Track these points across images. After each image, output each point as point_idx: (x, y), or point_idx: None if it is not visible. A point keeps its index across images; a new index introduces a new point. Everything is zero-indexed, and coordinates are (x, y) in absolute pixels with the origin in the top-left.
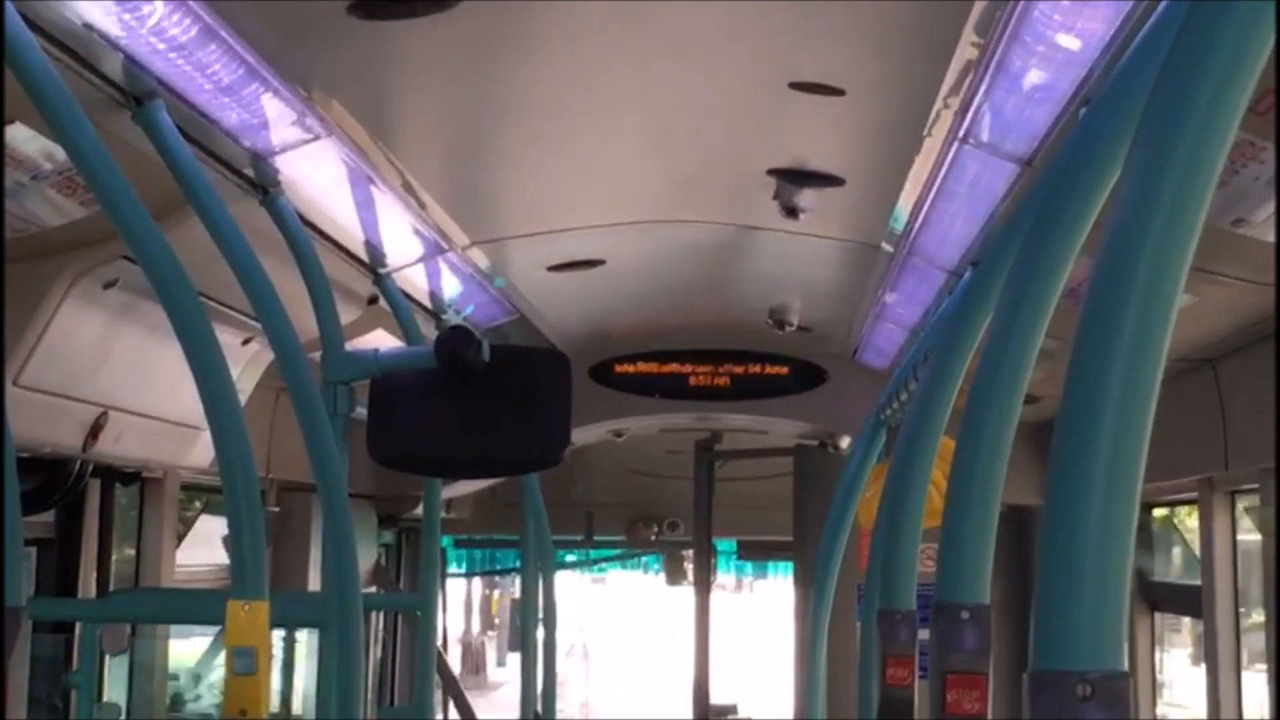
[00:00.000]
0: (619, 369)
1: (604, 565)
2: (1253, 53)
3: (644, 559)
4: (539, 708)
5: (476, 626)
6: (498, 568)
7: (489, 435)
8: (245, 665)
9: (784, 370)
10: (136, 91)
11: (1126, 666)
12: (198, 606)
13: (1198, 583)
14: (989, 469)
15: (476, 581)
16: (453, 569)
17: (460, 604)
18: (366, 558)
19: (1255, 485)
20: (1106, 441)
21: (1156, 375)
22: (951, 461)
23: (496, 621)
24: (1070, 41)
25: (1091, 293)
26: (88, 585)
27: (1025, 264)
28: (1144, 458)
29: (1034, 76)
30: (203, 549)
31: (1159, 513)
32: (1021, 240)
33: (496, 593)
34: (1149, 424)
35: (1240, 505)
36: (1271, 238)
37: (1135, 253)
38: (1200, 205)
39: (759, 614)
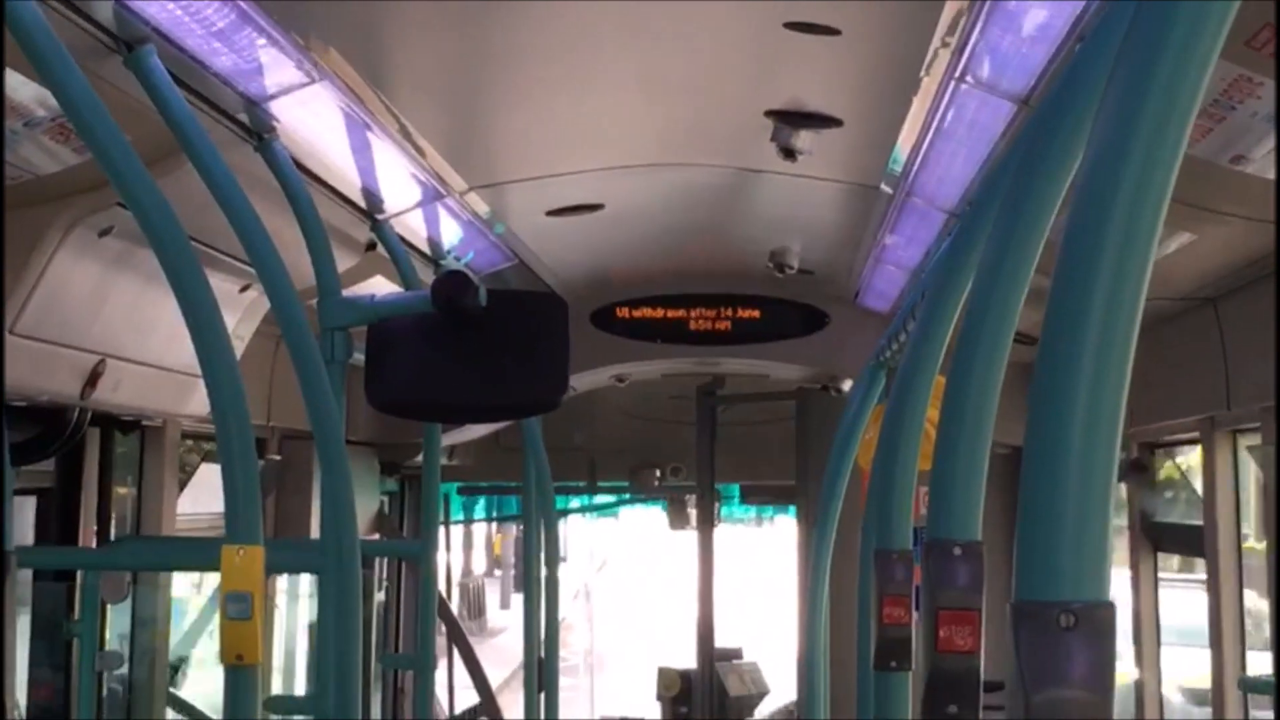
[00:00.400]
0: (620, 314)
1: (608, 509)
2: None
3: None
4: (541, 652)
5: (480, 567)
6: (500, 515)
7: (487, 380)
8: (241, 610)
9: (785, 314)
10: (128, 37)
11: (1110, 596)
12: (196, 553)
13: (1199, 523)
14: (979, 407)
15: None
16: (458, 517)
17: (460, 544)
18: (369, 505)
19: (1257, 424)
20: (1087, 373)
21: (1137, 309)
22: (941, 400)
23: (500, 562)
24: None
25: (1069, 229)
26: (88, 534)
27: (1013, 203)
28: (1125, 389)
29: (1031, 14)
30: (205, 497)
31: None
32: (1010, 179)
33: (498, 534)
34: (1129, 356)
35: (1243, 444)
36: (1271, 174)
37: (1112, 187)
38: (1179, 138)
39: (779, 548)
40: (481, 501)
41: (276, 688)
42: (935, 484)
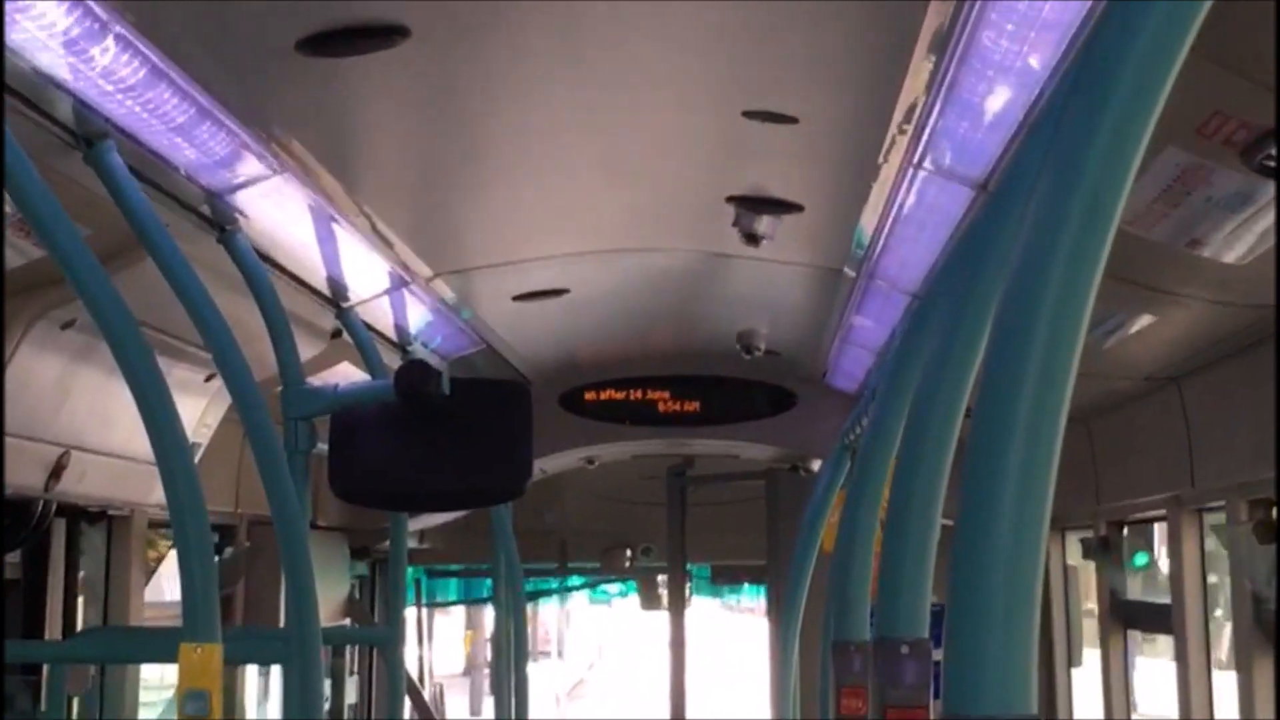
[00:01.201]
0: (589, 396)
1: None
2: (1161, 66)
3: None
4: None
5: (444, 666)
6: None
7: (451, 468)
8: (198, 709)
9: (754, 394)
10: (87, 133)
11: (1036, 710)
12: (159, 646)
13: (1168, 601)
14: (926, 497)
15: (448, 616)
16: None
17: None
18: (339, 590)
19: (1221, 503)
20: (1014, 474)
21: (1064, 403)
22: (890, 493)
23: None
24: (1021, 63)
25: (1000, 313)
26: (54, 625)
27: (964, 287)
28: (1051, 490)
29: (987, 101)
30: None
31: None
32: (963, 264)
33: (468, 630)
34: (1055, 456)
35: (1208, 523)
36: (1228, 257)
37: (1044, 272)
38: (1108, 223)
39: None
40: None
41: None
42: (884, 579)
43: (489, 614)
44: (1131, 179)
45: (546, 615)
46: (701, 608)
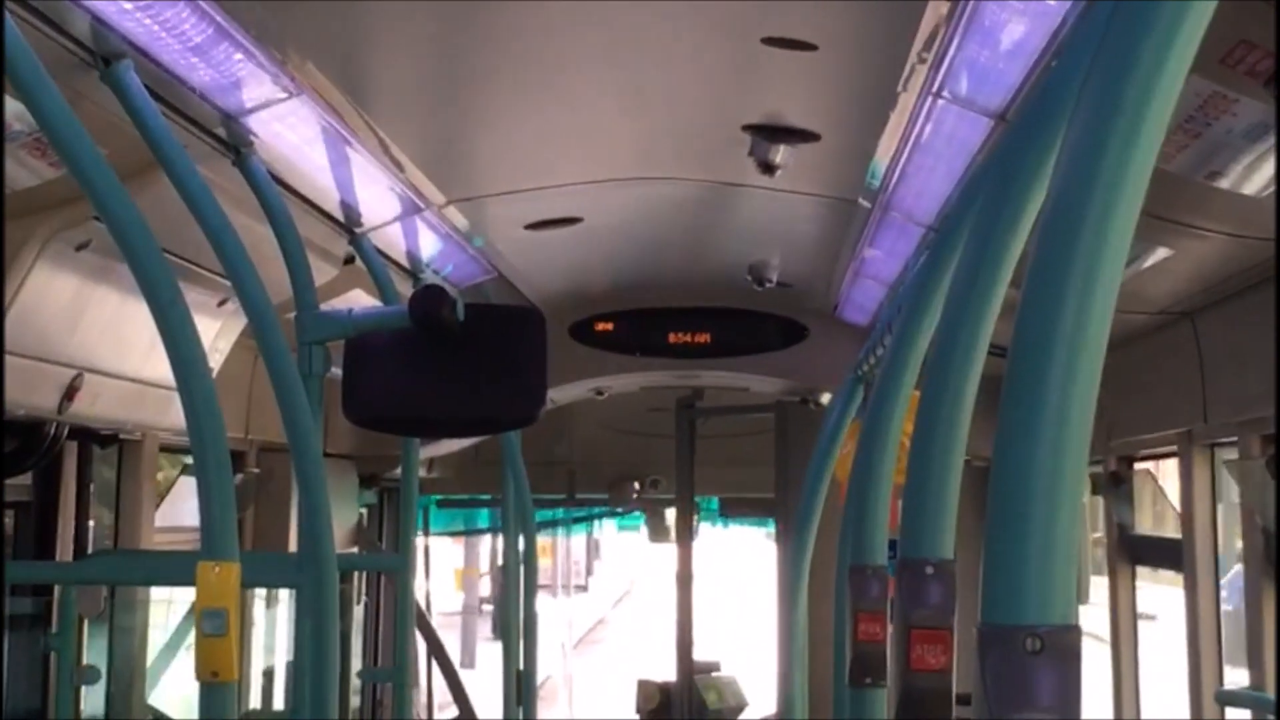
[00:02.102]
0: (599, 327)
1: (588, 523)
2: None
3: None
4: (520, 665)
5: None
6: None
7: (464, 394)
8: (216, 626)
9: (765, 327)
10: (104, 52)
11: (1077, 619)
12: (173, 568)
13: (1178, 536)
14: (951, 423)
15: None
16: (439, 527)
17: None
18: (348, 518)
19: (1234, 438)
20: (1054, 393)
21: (1106, 323)
22: (914, 415)
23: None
24: None
25: (1040, 243)
26: (66, 548)
27: (987, 218)
28: (1092, 409)
29: (1007, 29)
30: (183, 510)
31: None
32: (985, 194)
33: (465, 566)
34: (1098, 373)
35: (1219, 458)
36: (1247, 190)
37: (1083, 201)
38: (1149, 152)
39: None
40: (460, 515)
41: (255, 703)
42: (907, 502)
43: (485, 548)
44: (1172, 106)
45: (576, 546)
46: (742, 536)
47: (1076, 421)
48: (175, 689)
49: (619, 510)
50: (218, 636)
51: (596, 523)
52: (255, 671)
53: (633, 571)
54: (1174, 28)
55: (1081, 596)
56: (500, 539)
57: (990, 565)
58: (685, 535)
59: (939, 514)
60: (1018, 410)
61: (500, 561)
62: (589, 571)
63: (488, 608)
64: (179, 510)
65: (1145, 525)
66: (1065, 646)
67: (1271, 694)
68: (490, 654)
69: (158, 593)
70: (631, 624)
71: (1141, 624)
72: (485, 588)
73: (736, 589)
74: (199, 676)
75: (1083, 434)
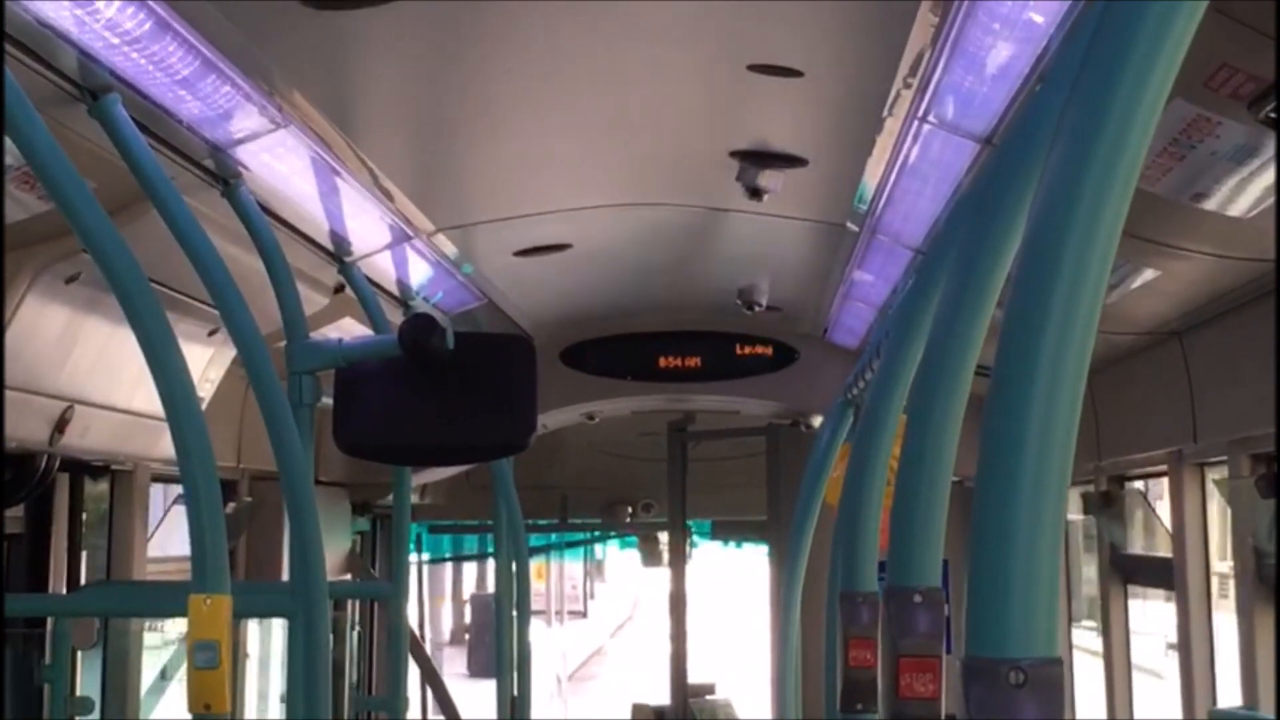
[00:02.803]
0: (589, 352)
1: (586, 546)
2: (1179, 23)
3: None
4: (515, 691)
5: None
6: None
7: (455, 422)
8: (208, 659)
9: (755, 350)
10: (92, 86)
11: (1059, 653)
12: (165, 600)
13: (1169, 555)
14: (938, 448)
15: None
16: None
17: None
18: (341, 545)
19: (1224, 457)
20: (1037, 420)
21: (1086, 352)
22: (902, 439)
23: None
24: (1027, 17)
25: (1021, 265)
26: (59, 579)
27: (973, 240)
28: (1074, 438)
29: (992, 54)
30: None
31: None
32: (969, 218)
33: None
34: (1079, 404)
35: (1210, 478)
36: (1232, 211)
37: (1064, 222)
38: (1130, 174)
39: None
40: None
41: None
42: (895, 529)
43: (469, 577)
44: (1153, 130)
45: (573, 569)
46: (744, 557)
47: (1059, 449)
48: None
49: (613, 533)
50: (210, 669)
51: (598, 545)
52: (250, 700)
53: (636, 593)
54: (1154, 52)
55: (1074, 615)
56: (477, 565)
57: (974, 598)
58: (678, 558)
59: (927, 541)
60: (1000, 443)
61: (475, 589)
62: (589, 595)
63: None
64: (175, 538)
65: (1138, 545)
66: (1048, 680)
67: (1264, 713)
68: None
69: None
70: (633, 653)
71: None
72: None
73: (737, 610)
74: (191, 709)
75: (1065, 462)
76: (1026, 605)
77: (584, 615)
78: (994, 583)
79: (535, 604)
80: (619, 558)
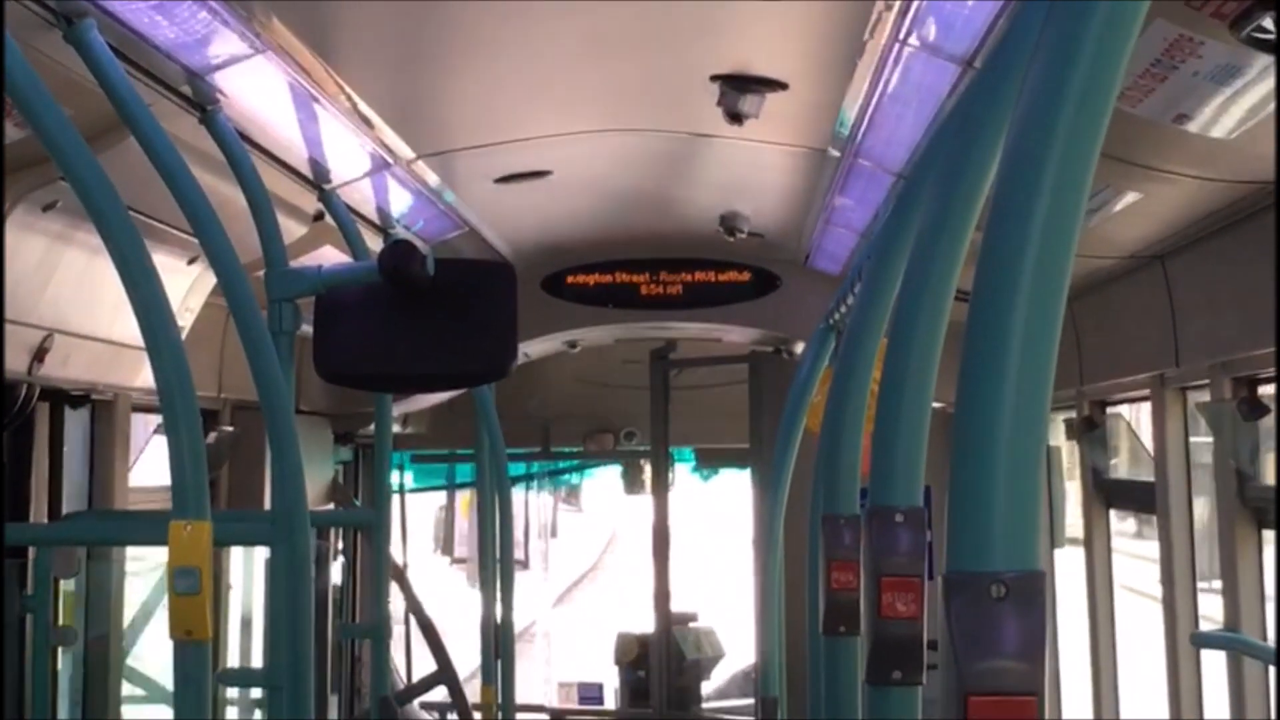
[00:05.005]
0: (571, 280)
1: (564, 477)
2: None
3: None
4: (498, 618)
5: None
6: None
7: (435, 349)
8: (189, 585)
9: (737, 277)
10: (67, 11)
11: (1040, 566)
12: (147, 528)
13: (1151, 479)
14: (919, 371)
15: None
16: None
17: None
18: (323, 475)
19: (1206, 381)
20: (1017, 338)
21: (1066, 272)
22: (882, 363)
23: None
24: None
25: (999, 187)
26: (40, 509)
27: (952, 164)
28: (1054, 354)
29: None
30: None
31: None
32: (950, 140)
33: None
34: (1059, 322)
35: (1192, 401)
36: (1215, 133)
37: (1041, 147)
38: (1108, 93)
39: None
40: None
41: (234, 661)
42: (876, 450)
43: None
44: (1129, 50)
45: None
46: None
47: (1039, 366)
48: (155, 648)
49: (595, 461)
50: (191, 595)
51: (571, 476)
52: (233, 629)
53: (612, 527)
54: None
55: (1057, 540)
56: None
57: (955, 513)
58: (661, 487)
59: (908, 462)
60: (980, 357)
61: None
62: (549, 531)
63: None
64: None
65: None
66: (1030, 592)
67: (1246, 634)
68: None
69: (136, 550)
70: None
71: None
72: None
73: (716, 555)
74: (173, 635)
75: (1045, 379)
76: (1008, 518)
77: (524, 565)
78: (975, 495)
79: (460, 550)
80: (597, 485)
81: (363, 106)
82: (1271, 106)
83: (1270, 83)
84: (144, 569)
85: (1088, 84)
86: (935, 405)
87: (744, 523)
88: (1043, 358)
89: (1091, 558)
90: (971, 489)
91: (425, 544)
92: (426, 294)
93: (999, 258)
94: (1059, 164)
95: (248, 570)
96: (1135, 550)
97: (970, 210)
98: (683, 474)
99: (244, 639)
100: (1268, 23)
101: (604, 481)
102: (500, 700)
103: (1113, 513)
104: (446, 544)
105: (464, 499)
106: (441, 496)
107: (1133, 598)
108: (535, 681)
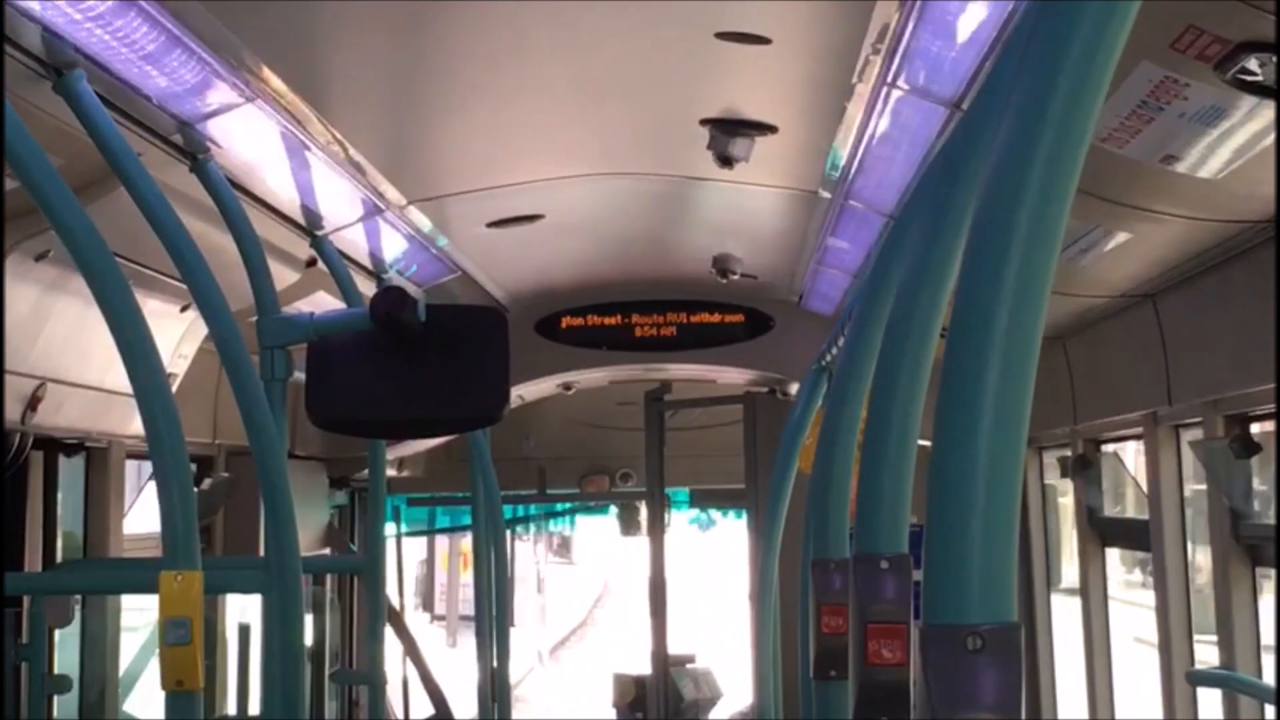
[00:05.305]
0: (565, 322)
1: (559, 519)
2: None
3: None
4: (495, 662)
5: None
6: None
7: (427, 395)
8: (179, 636)
9: (730, 318)
10: (57, 62)
11: (1016, 618)
12: (140, 577)
13: (1146, 517)
14: (904, 414)
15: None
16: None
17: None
18: (318, 520)
19: (1198, 419)
20: (991, 388)
21: (1040, 317)
22: (867, 411)
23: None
24: None
25: (974, 229)
26: (34, 558)
27: (938, 206)
28: (1029, 403)
29: (960, 19)
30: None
31: None
32: (935, 182)
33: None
34: (1033, 370)
35: (1184, 439)
36: (1203, 173)
37: (1015, 189)
38: (1082, 133)
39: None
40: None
41: (231, 708)
42: (862, 496)
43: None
44: (1104, 93)
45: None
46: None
47: (1014, 416)
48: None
49: (591, 504)
50: (182, 645)
51: (561, 525)
52: (231, 675)
53: (605, 578)
54: (1106, 12)
55: (1053, 579)
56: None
57: (931, 565)
58: (657, 528)
59: (893, 508)
60: (954, 404)
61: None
62: (539, 582)
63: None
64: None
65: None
66: (1006, 644)
67: (1241, 673)
68: None
69: (131, 599)
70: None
71: None
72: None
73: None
74: (164, 686)
75: (1020, 429)
76: (984, 570)
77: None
78: (950, 549)
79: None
80: (590, 531)
81: (354, 153)
82: (1262, 145)
83: (1258, 123)
84: (140, 621)
85: (1061, 127)
86: (923, 444)
87: (741, 567)
88: (1017, 411)
89: (1087, 594)
90: (947, 542)
91: (406, 599)
92: (419, 339)
93: (972, 302)
94: (1033, 206)
95: (245, 613)
96: (1144, 600)
97: (954, 253)
98: (680, 523)
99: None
100: (1253, 64)
101: (596, 530)
102: None
103: (1122, 567)
104: (427, 600)
105: (443, 553)
106: (423, 549)
107: (1144, 649)
108: None
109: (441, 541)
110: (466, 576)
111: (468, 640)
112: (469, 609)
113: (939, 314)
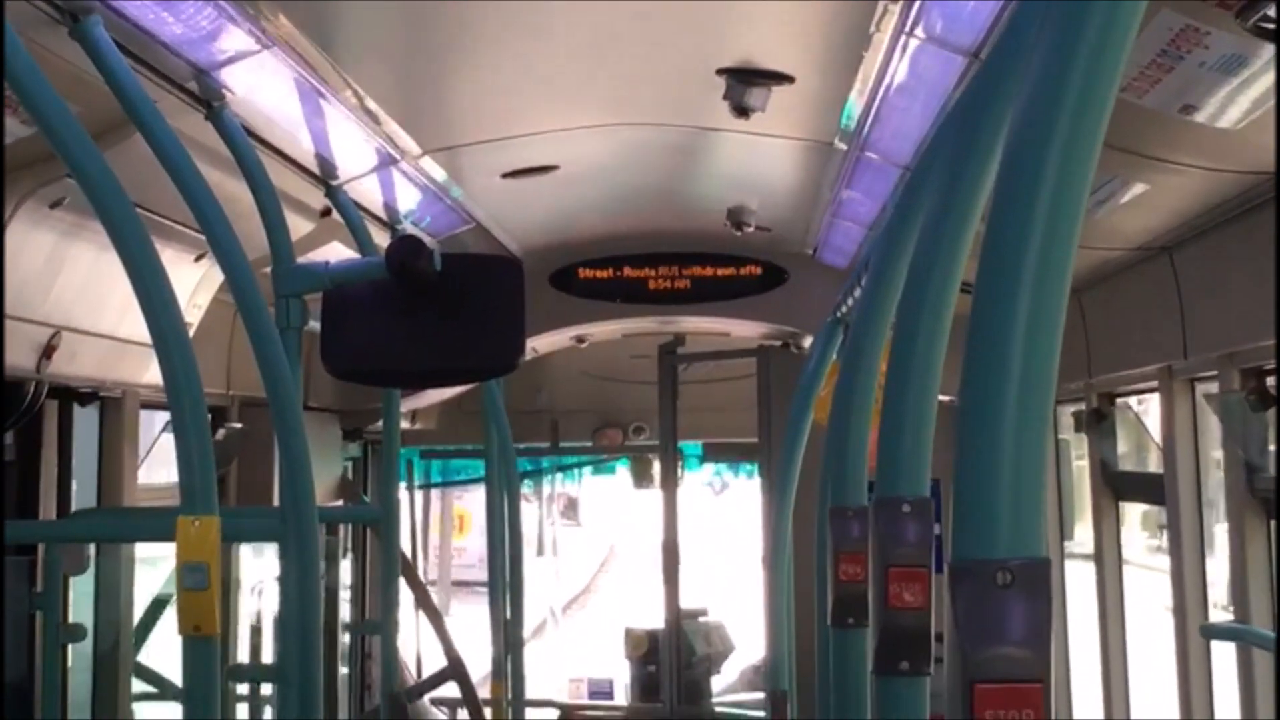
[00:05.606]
0: (579, 274)
1: (571, 472)
2: None
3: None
4: (508, 614)
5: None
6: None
7: (443, 344)
8: (197, 581)
9: (744, 271)
10: (73, 8)
11: (1046, 554)
12: (155, 525)
13: (1160, 471)
14: (924, 362)
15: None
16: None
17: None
18: (332, 471)
19: (1214, 372)
20: (1020, 327)
21: (1069, 262)
22: (889, 355)
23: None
24: None
25: (1001, 180)
26: (49, 507)
27: (957, 156)
28: (1058, 343)
29: None
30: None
31: None
32: (955, 132)
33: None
34: (1062, 312)
35: (1200, 393)
36: (1222, 123)
37: (1043, 138)
38: (1110, 82)
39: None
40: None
41: (243, 657)
42: (883, 441)
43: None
44: (1132, 39)
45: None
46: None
47: (1043, 355)
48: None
49: (601, 462)
50: (199, 591)
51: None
52: (244, 626)
53: (610, 538)
54: None
55: (1066, 533)
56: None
57: (960, 501)
58: (670, 481)
59: (915, 452)
60: (984, 345)
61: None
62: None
63: None
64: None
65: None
66: (1036, 580)
67: (1255, 626)
68: None
69: (145, 549)
70: None
71: None
72: None
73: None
74: (181, 631)
75: (1049, 368)
76: (1014, 506)
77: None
78: (980, 484)
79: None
80: (596, 491)
81: (369, 102)
82: None
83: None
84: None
85: (1089, 76)
86: (942, 399)
87: (754, 522)
88: (1046, 346)
89: (1101, 551)
90: (976, 477)
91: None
92: (434, 289)
93: (1002, 249)
94: (1061, 155)
95: (258, 567)
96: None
97: (974, 203)
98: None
99: (254, 638)
100: (1272, 11)
101: (603, 491)
102: (510, 696)
103: (1146, 534)
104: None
105: (436, 515)
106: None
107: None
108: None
109: (435, 504)
110: (460, 540)
111: (460, 608)
112: (462, 575)
113: (959, 263)
